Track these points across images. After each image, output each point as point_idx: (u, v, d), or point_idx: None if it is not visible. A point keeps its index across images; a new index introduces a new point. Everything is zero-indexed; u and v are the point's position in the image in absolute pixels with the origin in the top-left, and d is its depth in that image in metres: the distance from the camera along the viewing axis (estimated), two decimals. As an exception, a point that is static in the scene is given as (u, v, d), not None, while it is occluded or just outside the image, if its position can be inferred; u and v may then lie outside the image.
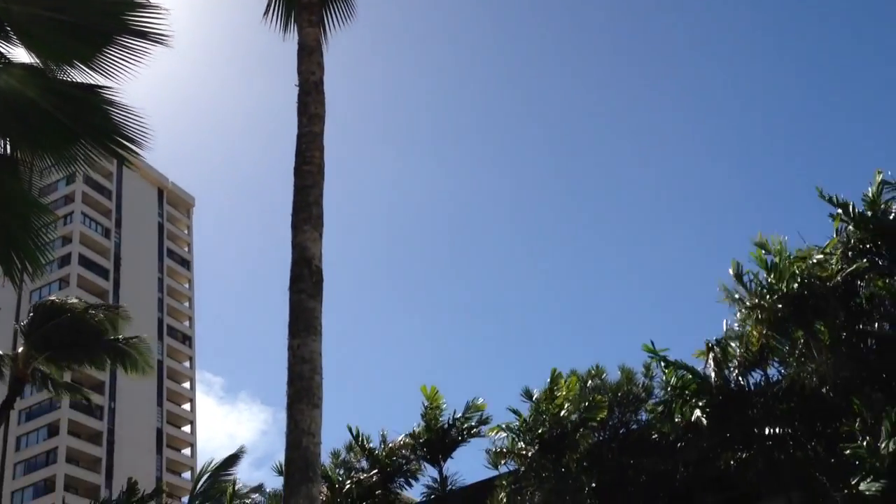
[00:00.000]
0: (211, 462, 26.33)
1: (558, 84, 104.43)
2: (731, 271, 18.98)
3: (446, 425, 23.17)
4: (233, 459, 26.39)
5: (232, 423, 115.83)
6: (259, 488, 25.91)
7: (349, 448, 24.54)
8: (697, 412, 18.50)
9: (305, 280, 7.48)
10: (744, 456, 19.10)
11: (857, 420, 15.94)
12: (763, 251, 18.84)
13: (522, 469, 21.89)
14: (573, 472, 21.37)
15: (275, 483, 30.77)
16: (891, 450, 14.71)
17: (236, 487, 24.85)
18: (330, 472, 23.86)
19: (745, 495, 24.59)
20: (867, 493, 14.64)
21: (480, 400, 23.27)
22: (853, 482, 15.25)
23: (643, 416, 22.60)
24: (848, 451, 15.68)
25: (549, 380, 22.01)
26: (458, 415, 23.27)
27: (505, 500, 22.62)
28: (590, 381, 24.51)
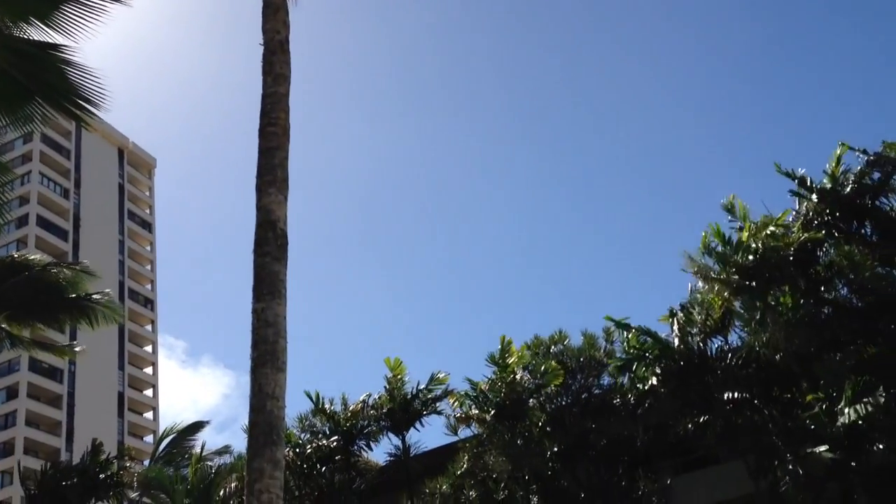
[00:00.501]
0: (173, 426, 26.27)
1: (527, 46, 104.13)
2: (701, 245, 19.21)
3: (409, 396, 23.31)
4: (197, 426, 26.33)
5: (195, 386, 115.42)
6: (226, 449, 25.95)
7: (313, 412, 24.61)
8: (656, 378, 18.78)
9: (270, 243, 7.40)
10: (703, 420, 19.46)
11: (816, 386, 16.27)
12: (729, 216, 19.15)
13: (484, 434, 22.13)
14: (535, 437, 21.65)
15: (242, 446, 30.73)
16: (850, 419, 15.04)
17: (203, 452, 24.85)
18: (294, 436, 23.92)
19: (704, 458, 25.16)
20: (819, 460, 14.98)
21: (443, 373, 23.49)
22: (808, 450, 15.60)
23: (605, 380, 22.92)
24: (807, 420, 16.03)
25: (499, 347, 22.14)
26: (422, 386, 23.43)
27: (467, 464, 22.89)
28: (553, 347, 24.79)
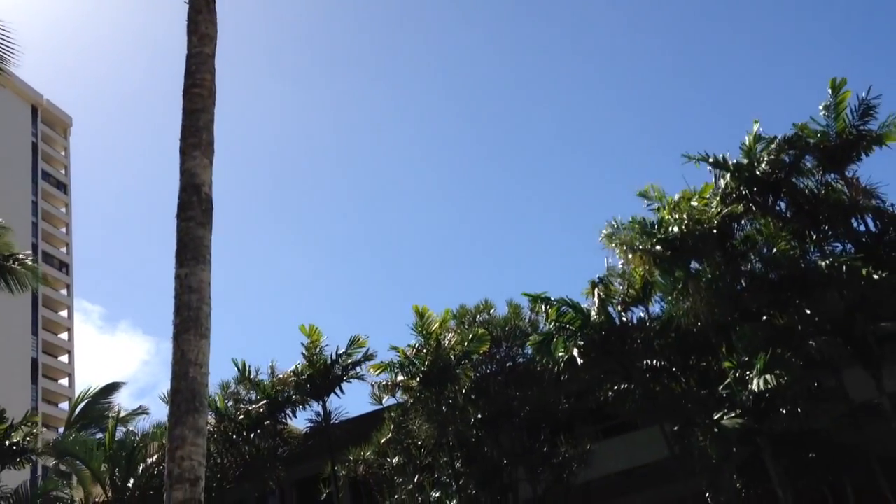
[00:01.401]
0: (88, 389, 25.64)
1: (454, 16, 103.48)
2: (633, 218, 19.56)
3: (328, 361, 23.21)
4: (112, 388, 25.75)
5: (112, 352, 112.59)
6: (143, 410, 25.47)
7: (238, 380, 24.37)
8: (577, 349, 19.18)
9: (194, 207, 7.22)
10: (623, 388, 20.00)
11: (731, 356, 16.86)
12: (646, 200, 19.66)
13: (410, 402, 22.29)
14: (459, 404, 21.91)
15: (158, 413, 30.23)
16: (760, 387, 15.66)
17: (119, 415, 24.32)
18: (218, 403, 23.67)
19: (623, 425, 25.91)
20: (729, 426, 15.58)
21: (363, 336, 23.35)
22: (717, 417, 16.20)
23: (529, 350, 23.30)
24: (721, 388, 16.63)
25: (416, 316, 22.18)
26: (341, 351, 23.33)
27: (392, 432, 23.04)
28: (479, 316, 25.05)
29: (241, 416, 23.28)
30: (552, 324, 20.10)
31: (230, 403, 23.98)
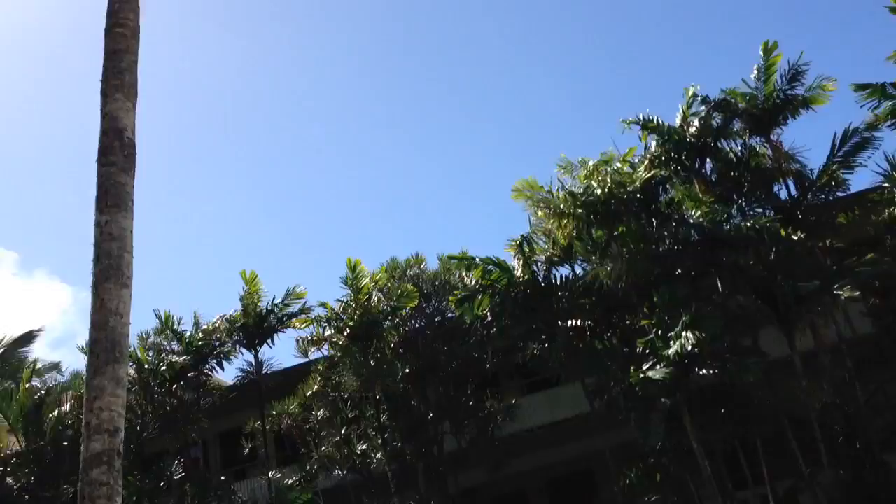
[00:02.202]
0: (3, 338, 24.90)
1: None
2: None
3: (264, 311, 22.99)
4: (28, 337, 25.08)
5: (28, 301, 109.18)
6: (56, 366, 24.90)
7: (160, 330, 23.95)
8: (502, 307, 19.41)
9: (116, 152, 6.98)
10: (547, 345, 20.38)
11: (653, 315, 17.30)
12: (564, 172, 19.84)
13: (337, 356, 22.29)
14: (387, 358, 22.03)
15: (75, 363, 29.57)
16: (681, 345, 16.14)
17: (35, 366, 23.73)
18: (139, 354, 23.25)
19: (546, 380, 26.51)
20: (654, 377, 16.06)
21: (301, 287, 23.16)
22: (643, 368, 16.68)
23: (457, 305, 23.49)
24: (642, 345, 17.09)
25: (348, 269, 22.11)
26: (278, 301, 23.12)
27: (318, 385, 23.07)
28: (409, 270, 25.12)
29: (163, 368, 22.94)
30: (479, 281, 20.28)
31: (151, 354, 23.58)
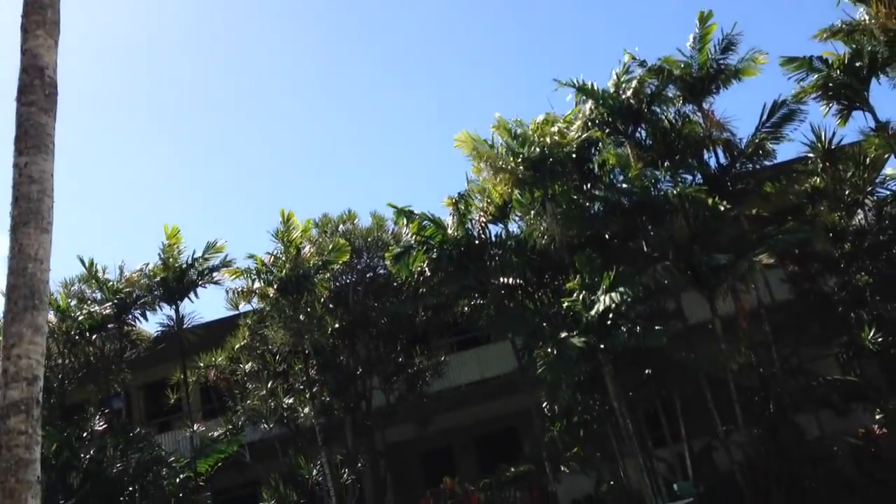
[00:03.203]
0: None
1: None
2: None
3: (184, 266, 22.54)
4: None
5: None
6: None
7: (84, 278, 23.32)
8: (435, 263, 19.45)
9: (36, 91, 6.69)
10: (478, 303, 20.57)
11: (578, 276, 17.57)
12: (499, 133, 19.79)
13: (266, 309, 22.08)
14: (317, 313, 21.92)
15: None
16: (603, 306, 16.46)
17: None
18: (60, 302, 22.62)
19: (476, 339, 26.81)
20: (574, 345, 16.36)
21: (221, 241, 22.69)
22: (562, 335, 16.97)
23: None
24: (566, 304, 17.36)
25: (281, 221, 21.76)
26: (198, 255, 22.68)
27: (246, 338, 22.86)
28: (341, 226, 24.95)
29: (85, 316, 22.36)
30: (413, 237, 20.27)
31: (74, 303, 22.97)
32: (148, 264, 22.90)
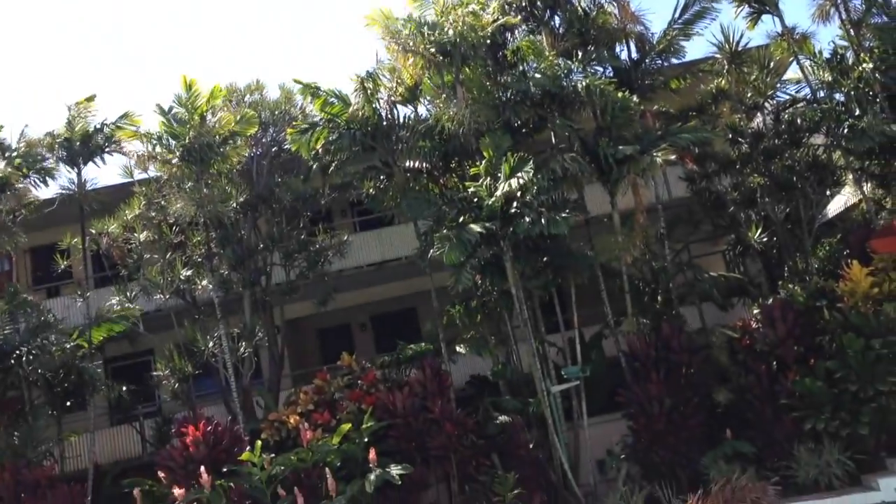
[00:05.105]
0: None
1: None
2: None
3: (92, 129, 21.40)
4: None
5: None
6: None
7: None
8: (337, 141, 19.03)
9: None
10: (383, 185, 20.39)
11: (484, 160, 17.55)
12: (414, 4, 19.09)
13: (165, 177, 21.34)
14: (221, 185, 21.32)
15: None
16: (504, 191, 16.56)
17: None
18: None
19: (380, 220, 26.80)
20: (477, 230, 16.49)
21: (138, 115, 21.53)
22: (461, 219, 17.06)
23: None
24: (472, 189, 17.40)
25: (183, 87, 20.60)
26: (111, 122, 21.51)
27: (142, 207, 22.15)
28: (248, 96, 24.09)
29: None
30: (320, 114, 19.73)
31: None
32: (53, 130, 21.66)
